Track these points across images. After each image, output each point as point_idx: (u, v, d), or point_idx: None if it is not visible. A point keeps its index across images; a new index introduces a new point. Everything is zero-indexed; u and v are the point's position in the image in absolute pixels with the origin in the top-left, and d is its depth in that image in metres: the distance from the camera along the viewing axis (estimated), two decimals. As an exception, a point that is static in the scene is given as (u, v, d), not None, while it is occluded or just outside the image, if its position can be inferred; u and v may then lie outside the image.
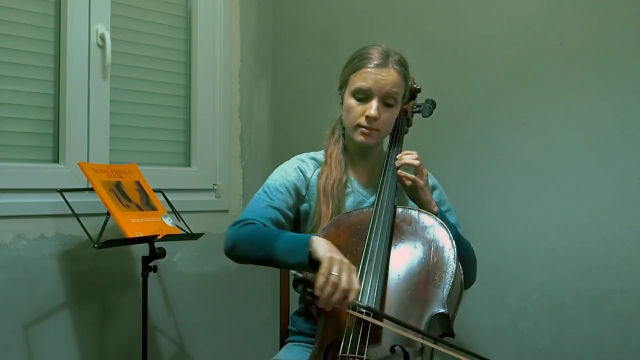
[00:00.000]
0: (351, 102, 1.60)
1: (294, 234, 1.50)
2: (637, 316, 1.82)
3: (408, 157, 1.57)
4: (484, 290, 2.08)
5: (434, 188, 1.70)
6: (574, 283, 1.92)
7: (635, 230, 1.82)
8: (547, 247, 1.98)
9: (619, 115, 1.86)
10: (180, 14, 2.53)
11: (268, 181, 1.66)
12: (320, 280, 1.28)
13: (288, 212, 1.61)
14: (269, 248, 1.44)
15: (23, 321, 2.02)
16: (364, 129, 1.59)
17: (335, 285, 1.27)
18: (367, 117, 1.57)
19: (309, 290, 1.30)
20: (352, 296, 1.28)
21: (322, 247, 1.35)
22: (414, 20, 2.31)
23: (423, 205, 1.56)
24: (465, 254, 1.62)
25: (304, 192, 1.66)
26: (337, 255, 1.33)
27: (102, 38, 2.20)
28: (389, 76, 1.58)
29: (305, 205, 1.67)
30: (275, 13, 2.80)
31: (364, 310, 1.33)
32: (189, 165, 2.56)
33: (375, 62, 1.58)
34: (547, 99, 1.99)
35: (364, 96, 1.58)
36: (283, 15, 2.78)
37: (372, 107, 1.56)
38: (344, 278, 1.28)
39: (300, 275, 1.30)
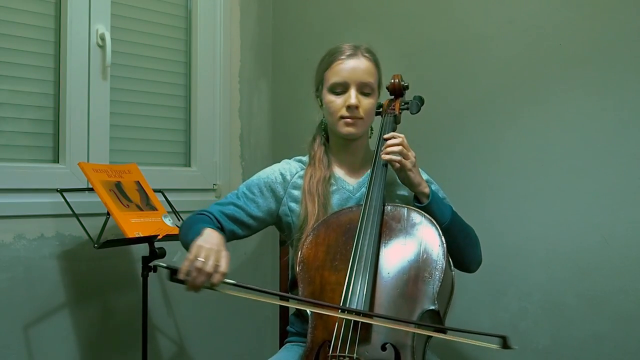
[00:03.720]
0: (330, 97, 1.63)
1: (205, 225, 1.54)
2: (637, 316, 1.82)
3: (391, 142, 1.58)
4: (484, 290, 2.08)
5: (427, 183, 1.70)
6: (574, 283, 1.92)
7: (635, 230, 1.82)
8: (547, 247, 1.98)
9: (619, 115, 1.86)
10: (180, 14, 2.54)
11: (245, 181, 1.73)
12: (184, 264, 1.36)
13: (255, 211, 1.67)
14: (187, 235, 1.54)
15: (23, 321, 2.02)
16: (347, 119, 1.61)
17: (199, 270, 1.35)
18: (348, 106, 1.60)
19: (175, 276, 1.36)
20: (216, 278, 1.36)
21: (201, 238, 1.43)
22: (414, 20, 2.31)
23: (414, 187, 1.57)
24: (466, 233, 1.64)
25: (281, 192, 1.69)
26: (208, 244, 1.40)
27: (102, 38, 2.20)
28: (362, 64, 1.62)
29: (284, 209, 1.69)
30: (275, 13, 2.80)
31: (354, 311, 1.34)
32: (189, 165, 2.56)
33: (347, 54, 1.62)
34: (547, 99, 1.99)
35: (341, 89, 1.62)
36: (283, 15, 2.78)
37: (352, 96, 1.60)
38: (210, 262, 1.36)
39: (163, 265, 1.38)
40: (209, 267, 1.35)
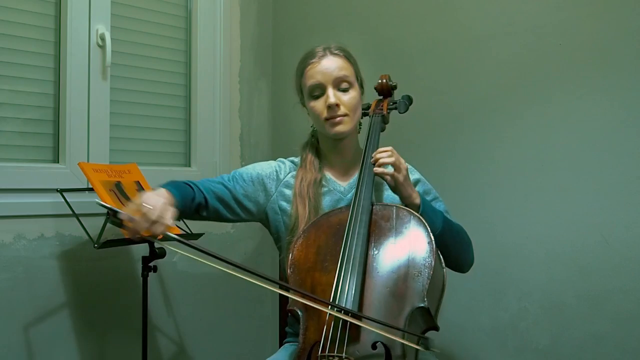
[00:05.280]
0: (311, 102, 1.65)
1: (168, 187, 1.51)
2: (637, 316, 1.81)
3: (383, 154, 1.55)
4: (484, 290, 2.08)
5: (416, 182, 1.69)
6: (574, 283, 1.92)
7: (635, 230, 1.82)
8: (547, 247, 1.98)
9: (619, 115, 1.86)
10: (180, 14, 2.54)
11: (239, 168, 1.72)
12: (130, 207, 1.34)
13: (243, 199, 1.66)
14: None
15: (23, 321, 2.02)
16: (332, 120, 1.62)
17: (145, 215, 1.33)
18: (329, 106, 1.60)
19: (117, 219, 1.33)
20: (159, 228, 1.34)
21: (153, 191, 1.42)
22: (414, 20, 2.31)
23: (405, 199, 1.56)
24: (458, 237, 1.63)
25: (272, 190, 1.69)
26: (157, 196, 1.39)
27: (102, 38, 2.20)
28: (332, 62, 1.63)
29: (273, 206, 1.69)
30: (275, 13, 2.80)
31: (343, 311, 1.34)
32: (189, 165, 2.56)
33: (317, 56, 1.64)
34: (546, 98, 1.99)
35: (319, 92, 1.63)
36: (283, 15, 2.78)
37: (330, 95, 1.61)
38: (156, 212, 1.34)
39: (106, 205, 1.34)
40: (154, 215, 1.33)
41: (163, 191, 1.44)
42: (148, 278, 2.05)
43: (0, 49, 2.04)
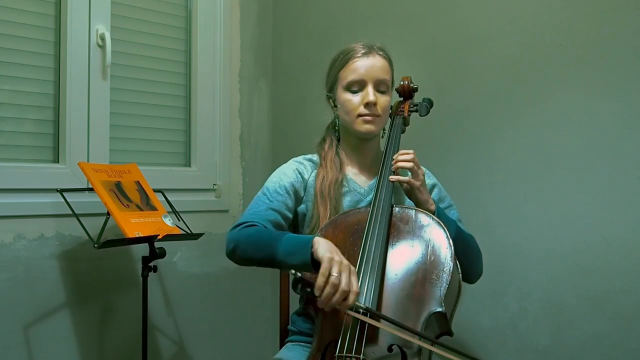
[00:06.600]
0: (346, 95, 1.63)
1: (295, 235, 1.50)
2: (637, 316, 1.81)
3: (403, 158, 1.57)
4: (484, 290, 2.08)
5: (433, 187, 1.70)
6: (574, 283, 1.92)
7: (635, 230, 1.82)
8: (547, 247, 1.98)
9: (619, 115, 1.86)
10: (180, 14, 2.54)
11: (267, 183, 1.67)
12: (320, 280, 1.30)
13: (287, 213, 1.63)
14: (271, 249, 1.44)
15: (23, 321, 2.02)
16: (366, 117, 1.61)
17: (335, 287, 1.29)
18: (366, 103, 1.60)
19: (309, 289, 1.30)
20: (351, 298, 1.30)
21: (322, 247, 1.36)
22: (414, 20, 2.31)
23: (420, 205, 1.57)
24: (469, 247, 1.63)
25: (302, 193, 1.68)
26: (337, 256, 1.33)
27: (102, 38, 2.20)
28: (378, 62, 1.62)
29: (302, 207, 1.68)
30: (275, 13, 2.80)
31: (362, 310, 1.33)
32: (189, 165, 2.56)
33: (362, 52, 1.63)
34: (546, 99, 1.99)
35: (358, 87, 1.62)
36: (283, 15, 2.78)
37: (370, 93, 1.60)
38: (343, 280, 1.30)
39: (299, 274, 1.31)
40: (344, 285, 1.29)
41: (329, 242, 1.38)
42: (148, 278, 2.05)
43: (0, 49, 2.04)
